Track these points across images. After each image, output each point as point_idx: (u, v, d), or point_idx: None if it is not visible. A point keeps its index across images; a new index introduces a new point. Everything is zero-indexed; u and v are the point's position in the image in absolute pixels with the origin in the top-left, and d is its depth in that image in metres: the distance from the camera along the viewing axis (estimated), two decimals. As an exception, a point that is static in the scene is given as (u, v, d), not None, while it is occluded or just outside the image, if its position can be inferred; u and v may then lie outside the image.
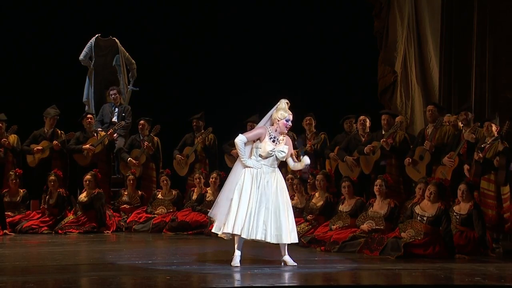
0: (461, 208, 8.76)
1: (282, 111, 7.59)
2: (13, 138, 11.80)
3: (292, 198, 9.61)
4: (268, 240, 7.43)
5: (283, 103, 7.64)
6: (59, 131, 11.99)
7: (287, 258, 7.55)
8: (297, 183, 10.34)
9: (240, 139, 7.54)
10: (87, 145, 11.85)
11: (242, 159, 7.54)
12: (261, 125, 7.68)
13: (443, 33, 12.53)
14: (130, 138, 12.51)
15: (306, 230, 9.69)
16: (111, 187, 12.32)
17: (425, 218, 8.57)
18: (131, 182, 11.87)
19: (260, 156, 7.53)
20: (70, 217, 11.21)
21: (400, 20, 13.26)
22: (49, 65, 13.87)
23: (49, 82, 13.79)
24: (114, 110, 12.78)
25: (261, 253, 8.18)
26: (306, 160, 7.62)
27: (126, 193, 11.92)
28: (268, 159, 7.54)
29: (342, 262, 8.05)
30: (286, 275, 7.07)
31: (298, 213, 9.78)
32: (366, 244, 8.71)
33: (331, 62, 13.83)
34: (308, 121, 11.58)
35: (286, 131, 7.66)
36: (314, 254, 8.86)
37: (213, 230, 7.67)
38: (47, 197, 11.27)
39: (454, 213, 8.75)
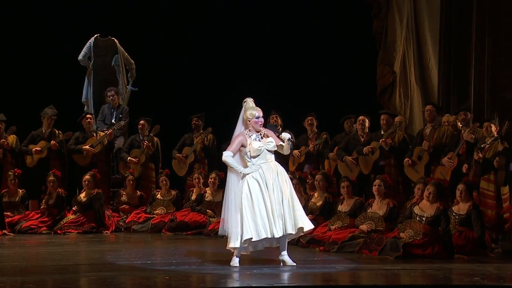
0: (460, 208, 8.75)
1: (250, 111, 7.60)
2: (12, 138, 11.80)
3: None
4: (289, 231, 7.41)
5: (249, 102, 7.66)
6: (56, 131, 11.98)
7: (286, 258, 7.55)
8: (296, 183, 10.30)
9: (226, 155, 7.51)
10: (87, 146, 11.85)
11: (239, 171, 7.50)
12: (238, 132, 7.65)
13: (442, 33, 12.52)
14: (129, 138, 12.49)
15: (305, 230, 9.68)
16: (110, 187, 12.31)
17: (424, 218, 8.56)
18: (130, 182, 11.87)
19: (253, 157, 7.52)
20: (69, 217, 11.21)
21: (399, 20, 13.26)
22: (48, 65, 13.85)
23: (48, 82, 13.78)
24: (113, 112, 12.76)
25: (261, 253, 8.16)
26: (285, 135, 7.62)
27: (125, 193, 11.92)
28: (261, 156, 7.52)
29: (341, 262, 8.04)
30: (285, 275, 7.07)
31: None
32: (365, 244, 8.70)
33: (331, 62, 13.83)
34: (309, 121, 11.54)
35: (261, 128, 7.63)
36: (313, 254, 8.85)
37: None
38: (47, 197, 11.27)
39: (453, 213, 8.74)
